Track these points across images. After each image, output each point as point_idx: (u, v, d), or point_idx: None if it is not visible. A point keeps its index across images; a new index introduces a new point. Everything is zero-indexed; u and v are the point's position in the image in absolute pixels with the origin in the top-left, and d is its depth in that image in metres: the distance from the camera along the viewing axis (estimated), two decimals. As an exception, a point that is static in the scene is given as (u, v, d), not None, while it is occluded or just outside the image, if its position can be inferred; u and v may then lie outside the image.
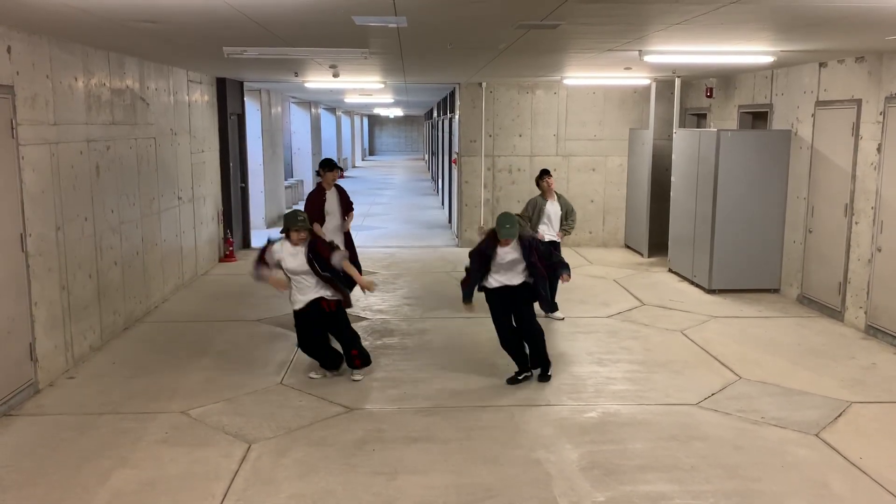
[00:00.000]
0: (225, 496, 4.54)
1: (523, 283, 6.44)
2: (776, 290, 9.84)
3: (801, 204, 9.30)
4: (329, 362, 6.65)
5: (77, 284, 6.98)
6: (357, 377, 6.57)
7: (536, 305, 6.62)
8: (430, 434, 5.45)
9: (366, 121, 50.07)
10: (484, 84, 13.11)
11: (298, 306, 6.41)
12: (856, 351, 7.42)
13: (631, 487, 4.65)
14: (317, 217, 8.19)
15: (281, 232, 6.41)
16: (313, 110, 23.51)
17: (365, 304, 8.98)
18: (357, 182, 28.62)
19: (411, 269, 11.45)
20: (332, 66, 9.00)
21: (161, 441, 5.32)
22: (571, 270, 6.79)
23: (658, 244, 12.26)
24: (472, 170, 13.40)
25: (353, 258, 8.43)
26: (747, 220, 9.67)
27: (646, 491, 4.60)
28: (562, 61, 9.34)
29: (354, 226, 8.67)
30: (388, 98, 20.25)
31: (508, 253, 6.35)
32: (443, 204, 20.02)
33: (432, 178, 28.74)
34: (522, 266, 6.39)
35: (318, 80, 12.02)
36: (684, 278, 10.66)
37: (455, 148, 14.64)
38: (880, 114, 7.77)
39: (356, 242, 8.57)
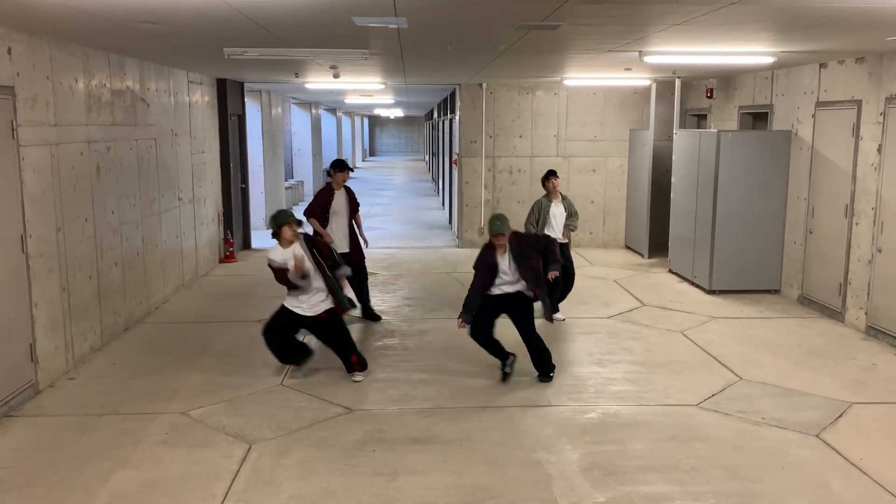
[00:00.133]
0: (225, 497, 4.54)
1: (519, 292, 6.43)
2: (777, 291, 9.83)
3: (801, 204, 9.30)
4: (287, 357, 6.62)
5: (77, 285, 6.98)
6: (358, 378, 6.58)
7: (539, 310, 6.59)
8: (431, 435, 5.45)
9: (366, 121, 50.08)
10: (484, 85, 13.12)
11: (293, 307, 6.41)
12: (856, 352, 7.42)
13: (631, 488, 4.65)
14: (317, 214, 8.18)
15: (272, 235, 6.36)
16: (314, 111, 23.52)
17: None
18: (357, 183, 28.59)
19: (412, 270, 11.45)
20: (333, 67, 9.01)
21: (161, 442, 5.32)
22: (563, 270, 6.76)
23: (658, 245, 12.26)
24: (472, 170, 13.40)
25: (361, 260, 8.41)
26: (748, 220, 9.67)
27: (646, 492, 4.60)
28: (562, 62, 9.34)
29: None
30: (389, 99, 20.26)
31: (505, 265, 6.35)
32: (443, 205, 20.02)
33: (433, 178, 28.75)
34: (519, 274, 6.36)
35: (318, 81, 12.03)
36: (685, 279, 10.66)
37: (455, 149, 14.65)
38: (880, 114, 7.77)
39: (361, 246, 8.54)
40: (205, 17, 5.48)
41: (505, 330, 6.68)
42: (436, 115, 25.30)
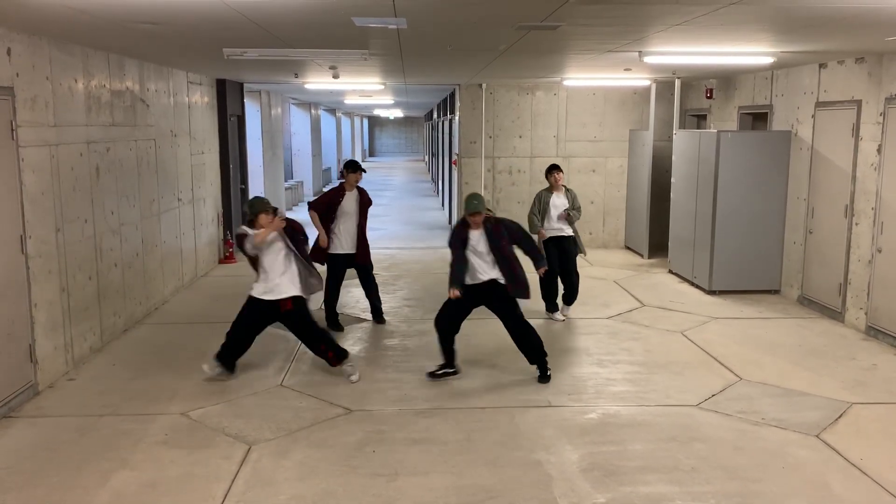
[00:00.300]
0: (225, 498, 4.54)
1: (495, 280, 6.39)
2: (776, 291, 9.83)
3: (801, 205, 9.30)
4: (229, 362, 6.59)
5: (77, 286, 6.97)
6: (354, 378, 6.56)
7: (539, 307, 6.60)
8: (431, 435, 5.45)
9: (366, 122, 50.09)
10: (484, 85, 13.12)
11: (260, 294, 6.35)
12: (856, 352, 7.42)
13: (631, 488, 4.64)
14: (320, 209, 8.17)
15: (248, 222, 6.31)
16: (313, 111, 23.52)
17: (364, 306, 8.98)
18: (357, 183, 28.56)
19: (411, 271, 11.45)
20: (332, 68, 9.00)
21: (161, 443, 5.32)
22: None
23: (658, 245, 12.25)
24: (472, 171, 13.40)
25: (366, 263, 8.38)
26: (748, 221, 9.67)
27: (646, 492, 4.60)
28: (562, 62, 9.34)
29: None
30: (388, 99, 20.26)
31: (477, 241, 6.34)
32: (443, 205, 20.02)
33: (432, 179, 28.75)
34: (492, 256, 6.34)
35: (318, 82, 12.03)
36: (684, 279, 10.66)
37: (455, 149, 14.65)
38: (880, 115, 7.77)
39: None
40: (204, 17, 5.48)
41: (501, 331, 6.67)
42: (435, 115, 25.30)
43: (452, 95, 15.68)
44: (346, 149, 35.95)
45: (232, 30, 6.12)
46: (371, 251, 8.46)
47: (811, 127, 9.06)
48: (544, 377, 6.56)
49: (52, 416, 5.83)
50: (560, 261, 8.51)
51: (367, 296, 8.53)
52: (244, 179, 13.40)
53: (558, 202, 8.45)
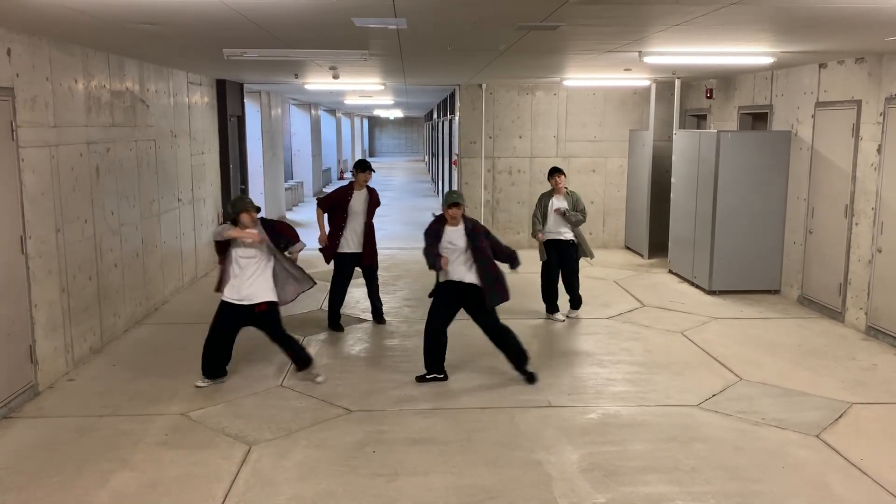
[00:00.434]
0: (225, 498, 4.54)
1: (474, 284, 6.35)
2: (777, 292, 9.83)
3: (801, 205, 9.30)
4: (219, 369, 6.53)
5: (77, 286, 6.97)
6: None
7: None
8: (431, 435, 5.45)
9: (366, 122, 50.10)
10: (484, 85, 13.12)
11: (231, 298, 6.25)
12: (856, 352, 7.42)
13: (631, 489, 4.64)
14: (325, 207, 8.16)
15: (230, 219, 6.22)
16: (313, 112, 23.52)
17: (364, 306, 8.98)
18: (357, 184, 28.56)
19: (411, 271, 11.45)
20: (332, 68, 9.00)
21: (161, 443, 5.32)
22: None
23: (658, 245, 12.25)
24: (472, 171, 13.40)
25: (371, 263, 8.36)
26: (748, 221, 9.67)
27: (646, 492, 4.60)
28: (562, 62, 9.35)
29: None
30: (388, 99, 20.26)
31: (456, 235, 6.31)
32: (443, 205, 19.98)
33: (432, 179, 28.75)
34: (469, 256, 6.30)
35: (318, 82, 12.03)
36: (685, 279, 10.66)
37: (455, 149, 14.65)
38: (880, 114, 7.77)
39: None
40: (204, 18, 5.48)
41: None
42: (435, 115, 25.31)
43: (452, 96, 15.68)
44: (346, 149, 35.96)
45: (232, 30, 6.12)
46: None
47: (811, 127, 9.06)
48: (529, 379, 6.49)
49: (52, 416, 5.83)
50: (560, 264, 8.51)
51: (369, 296, 8.54)
52: (244, 180, 13.40)
53: (558, 205, 8.43)
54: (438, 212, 6.61)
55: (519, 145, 13.33)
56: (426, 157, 39.38)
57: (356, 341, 7.91)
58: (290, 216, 18.46)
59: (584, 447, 5.25)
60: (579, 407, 6.01)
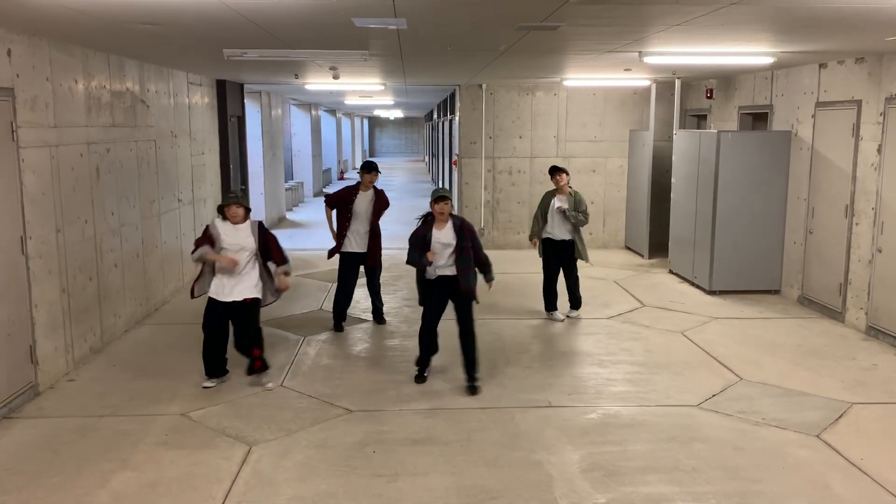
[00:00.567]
0: (225, 498, 4.54)
1: (458, 278, 6.32)
2: (777, 292, 9.83)
3: (801, 205, 9.30)
4: (220, 368, 6.53)
5: (77, 287, 6.98)
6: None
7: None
8: (431, 436, 5.45)
9: (366, 122, 50.11)
10: (484, 86, 13.12)
11: (216, 295, 6.29)
12: (856, 352, 7.42)
13: (631, 489, 4.64)
14: (331, 202, 8.17)
15: (218, 213, 6.37)
16: (313, 112, 23.53)
17: (365, 306, 8.98)
18: (357, 184, 28.55)
19: (412, 271, 11.37)
20: (333, 68, 9.01)
21: (161, 443, 5.32)
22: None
23: (658, 245, 12.25)
24: (472, 171, 13.40)
25: (375, 264, 8.35)
26: (748, 221, 9.67)
27: (646, 492, 4.60)
28: (562, 63, 9.35)
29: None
30: (389, 100, 20.26)
31: (444, 235, 6.30)
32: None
33: (432, 179, 28.75)
34: (455, 252, 6.29)
35: (318, 82, 12.03)
36: (685, 279, 10.66)
37: (455, 149, 14.65)
38: (880, 114, 7.77)
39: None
40: (204, 18, 5.48)
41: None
42: (435, 115, 25.31)
43: (452, 96, 15.69)
44: (346, 149, 35.98)
45: (232, 30, 6.12)
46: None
47: (811, 127, 9.06)
48: (472, 388, 6.32)
49: (52, 416, 5.83)
50: (559, 264, 8.50)
51: (370, 295, 8.55)
52: (244, 180, 13.40)
53: (559, 204, 8.39)
54: (426, 211, 6.61)
55: (519, 145, 13.33)
56: (426, 158, 39.40)
57: (356, 341, 7.91)
58: (290, 216, 18.46)
59: (584, 447, 5.25)
60: (579, 407, 6.01)
